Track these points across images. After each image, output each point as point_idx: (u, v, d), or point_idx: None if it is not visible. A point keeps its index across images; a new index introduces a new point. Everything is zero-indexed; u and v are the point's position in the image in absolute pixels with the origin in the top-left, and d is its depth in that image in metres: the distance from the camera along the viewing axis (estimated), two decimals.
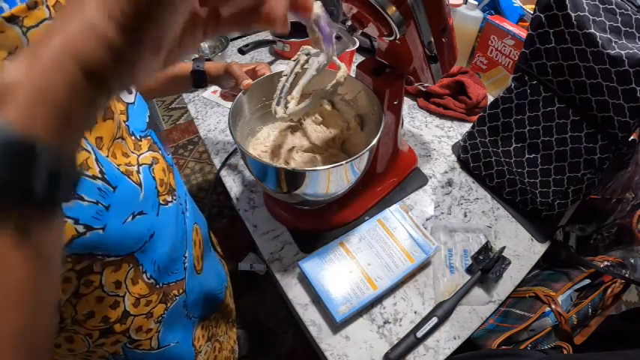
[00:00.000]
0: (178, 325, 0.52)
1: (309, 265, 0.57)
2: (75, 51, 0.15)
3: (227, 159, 0.75)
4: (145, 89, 0.61)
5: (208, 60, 0.66)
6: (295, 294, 0.58)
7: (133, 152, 0.39)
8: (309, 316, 0.56)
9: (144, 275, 0.41)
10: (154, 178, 0.40)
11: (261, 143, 0.61)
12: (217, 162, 0.77)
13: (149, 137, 0.43)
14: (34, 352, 0.17)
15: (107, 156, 0.35)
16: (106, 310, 0.38)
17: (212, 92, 0.94)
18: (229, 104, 0.73)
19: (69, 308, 0.35)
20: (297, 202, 0.60)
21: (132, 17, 0.16)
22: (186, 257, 0.50)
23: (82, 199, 0.30)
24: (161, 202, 0.42)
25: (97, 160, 0.31)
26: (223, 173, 0.75)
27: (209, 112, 0.89)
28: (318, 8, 0.38)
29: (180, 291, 0.49)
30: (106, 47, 0.15)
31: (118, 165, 0.35)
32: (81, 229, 0.30)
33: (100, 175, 0.31)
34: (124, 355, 0.44)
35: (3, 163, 0.13)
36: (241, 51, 0.97)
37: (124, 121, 0.40)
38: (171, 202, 0.45)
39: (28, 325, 0.16)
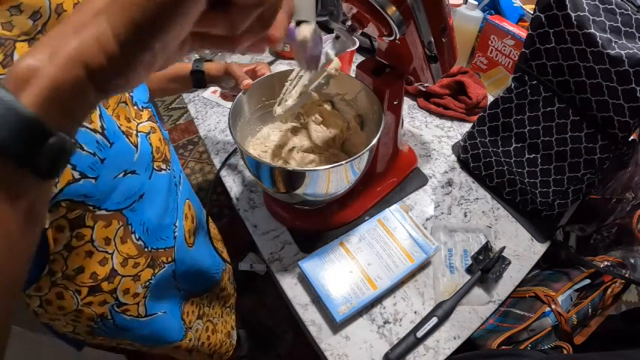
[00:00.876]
0: (166, 294, 0.53)
1: (309, 265, 0.57)
2: (84, 57, 0.18)
3: (227, 159, 0.75)
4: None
5: (208, 60, 0.66)
6: (295, 294, 0.58)
7: (134, 119, 0.42)
8: (309, 316, 0.56)
9: (133, 236, 0.43)
10: (150, 144, 0.43)
11: (261, 143, 0.61)
12: (217, 162, 0.77)
13: (149, 109, 0.46)
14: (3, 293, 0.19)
15: (112, 115, 0.38)
16: (94, 267, 0.41)
17: (212, 92, 0.94)
18: (229, 104, 0.73)
19: (60, 261, 0.37)
20: (297, 202, 0.60)
21: (132, 41, 0.18)
22: (176, 227, 0.52)
23: (82, 148, 0.33)
24: (155, 167, 0.45)
25: (100, 115, 0.34)
26: (223, 173, 0.75)
27: (209, 112, 0.89)
28: (305, 29, 0.39)
29: (170, 259, 0.51)
30: (107, 58, 0.18)
31: (120, 125, 0.38)
32: (77, 175, 0.33)
33: (100, 130, 0.34)
34: (112, 319, 0.46)
35: (19, 138, 0.16)
36: None
37: (129, 93, 0.43)
38: (165, 170, 0.47)
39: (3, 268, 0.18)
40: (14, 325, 0.42)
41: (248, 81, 0.57)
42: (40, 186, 0.19)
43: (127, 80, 0.20)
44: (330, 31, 1.13)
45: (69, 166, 0.32)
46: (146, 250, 0.46)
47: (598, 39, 0.51)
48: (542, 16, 0.56)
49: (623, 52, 0.49)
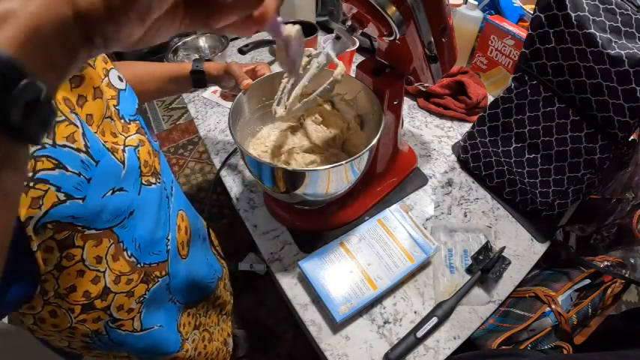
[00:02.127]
0: (161, 308, 0.53)
1: (309, 265, 0.57)
2: None
3: (227, 159, 0.75)
4: (145, 90, 0.62)
5: (208, 60, 0.66)
6: (295, 294, 0.58)
7: (120, 134, 0.41)
8: (309, 316, 0.56)
9: (124, 253, 0.42)
10: (138, 158, 0.42)
11: (261, 143, 0.61)
12: (217, 162, 0.77)
13: (137, 121, 0.45)
14: None
15: (96, 132, 0.37)
16: (87, 285, 0.40)
17: (212, 92, 0.94)
18: (229, 104, 0.73)
19: (51, 281, 0.36)
20: (297, 202, 0.60)
21: None
22: (169, 240, 0.51)
23: (66, 169, 0.31)
24: (143, 182, 0.44)
25: (83, 134, 0.33)
26: (223, 173, 0.75)
27: (209, 112, 0.89)
28: (290, 28, 0.39)
29: (163, 273, 0.50)
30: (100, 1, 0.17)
31: (105, 142, 0.37)
32: (62, 196, 0.31)
33: (84, 149, 0.33)
34: (107, 334, 0.45)
35: None
36: (241, 51, 0.97)
37: (115, 106, 0.42)
38: (155, 184, 0.46)
39: None
40: (16, 325, 0.43)
41: (248, 81, 0.57)
42: (10, 149, 0.16)
43: (118, 29, 0.19)
44: (330, 31, 1.13)
45: (53, 188, 0.30)
46: (139, 266, 0.45)
47: (598, 39, 0.51)
48: (542, 16, 0.56)
49: (623, 52, 0.49)
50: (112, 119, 0.40)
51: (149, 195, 0.45)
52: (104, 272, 0.41)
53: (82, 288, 0.39)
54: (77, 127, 0.33)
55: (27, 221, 0.30)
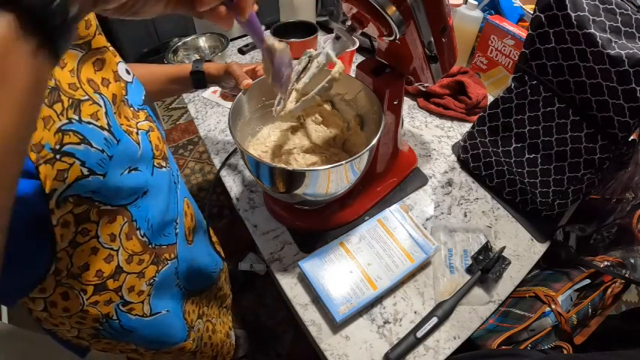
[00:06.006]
0: (169, 292, 0.54)
1: (309, 265, 0.57)
2: None
3: (227, 159, 0.75)
4: (148, 91, 0.62)
5: (208, 61, 0.66)
6: (295, 294, 0.58)
7: (132, 119, 0.43)
8: (309, 316, 0.56)
9: (137, 232, 0.43)
10: (150, 142, 0.43)
11: (261, 143, 0.61)
12: (217, 162, 0.77)
13: (145, 111, 0.47)
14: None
15: (115, 113, 0.38)
16: (100, 264, 0.40)
17: (212, 92, 0.94)
18: (229, 104, 0.73)
19: (65, 259, 0.37)
20: (297, 202, 0.60)
21: None
22: (177, 223, 0.52)
23: (91, 145, 0.33)
24: (155, 164, 0.45)
25: (106, 113, 0.35)
26: (223, 173, 0.75)
27: (209, 112, 0.89)
28: (276, 42, 0.42)
29: (172, 255, 0.51)
30: None
31: (121, 124, 0.39)
32: (85, 171, 0.33)
33: (107, 127, 0.34)
34: (117, 319, 0.46)
35: None
36: (241, 51, 0.97)
37: (124, 95, 0.43)
38: (165, 167, 0.48)
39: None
40: (22, 318, 0.43)
41: (248, 81, 0.57)
42: (44, 58, 0.19)
43: None
44: (330, 31, 1.13)
45: (78, 162, 0.32)
46: (150, 246, 0.46)
47: (598, 39, 0.51)
48: (542, 16, 0.56)
49: (623, 52, 0.49)
50: (124, 104, 0.42)
51: (160, 177, 0.46)
52: (117, 251, 0.41)
53: (95, 267, 0.40)
54: (100, 106, 0.34)
55: (51, 193, 0.31)
